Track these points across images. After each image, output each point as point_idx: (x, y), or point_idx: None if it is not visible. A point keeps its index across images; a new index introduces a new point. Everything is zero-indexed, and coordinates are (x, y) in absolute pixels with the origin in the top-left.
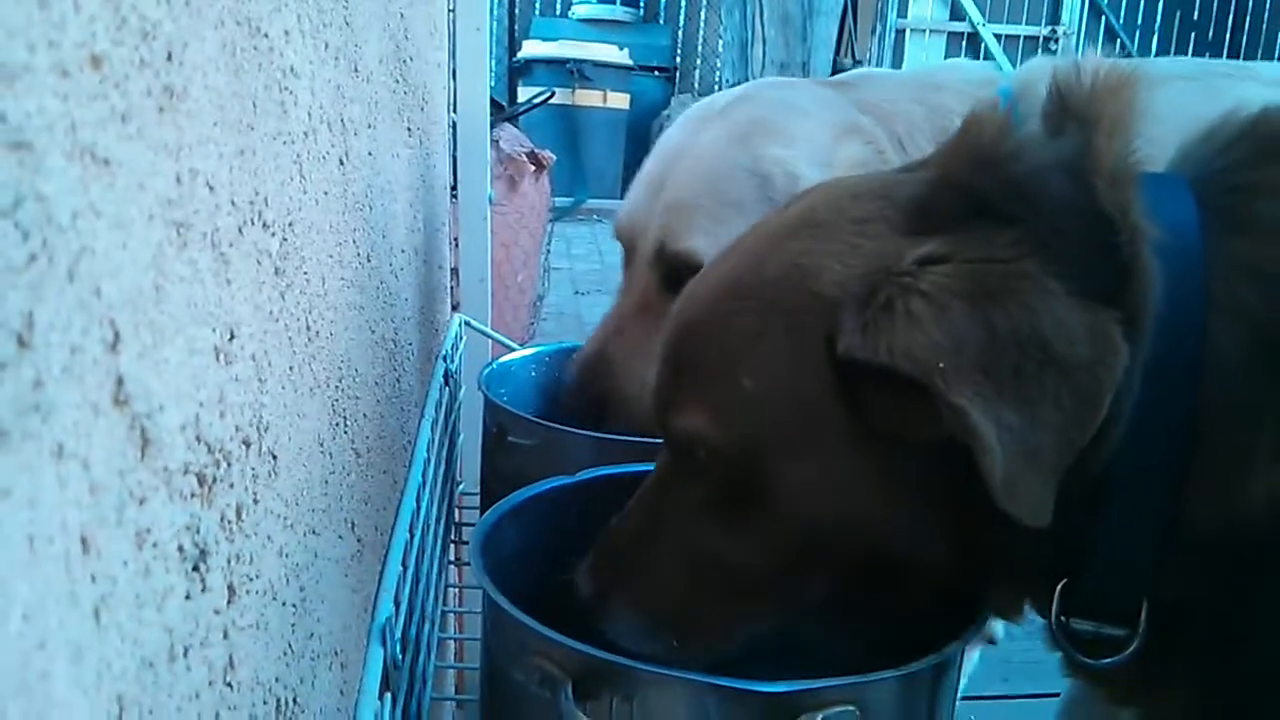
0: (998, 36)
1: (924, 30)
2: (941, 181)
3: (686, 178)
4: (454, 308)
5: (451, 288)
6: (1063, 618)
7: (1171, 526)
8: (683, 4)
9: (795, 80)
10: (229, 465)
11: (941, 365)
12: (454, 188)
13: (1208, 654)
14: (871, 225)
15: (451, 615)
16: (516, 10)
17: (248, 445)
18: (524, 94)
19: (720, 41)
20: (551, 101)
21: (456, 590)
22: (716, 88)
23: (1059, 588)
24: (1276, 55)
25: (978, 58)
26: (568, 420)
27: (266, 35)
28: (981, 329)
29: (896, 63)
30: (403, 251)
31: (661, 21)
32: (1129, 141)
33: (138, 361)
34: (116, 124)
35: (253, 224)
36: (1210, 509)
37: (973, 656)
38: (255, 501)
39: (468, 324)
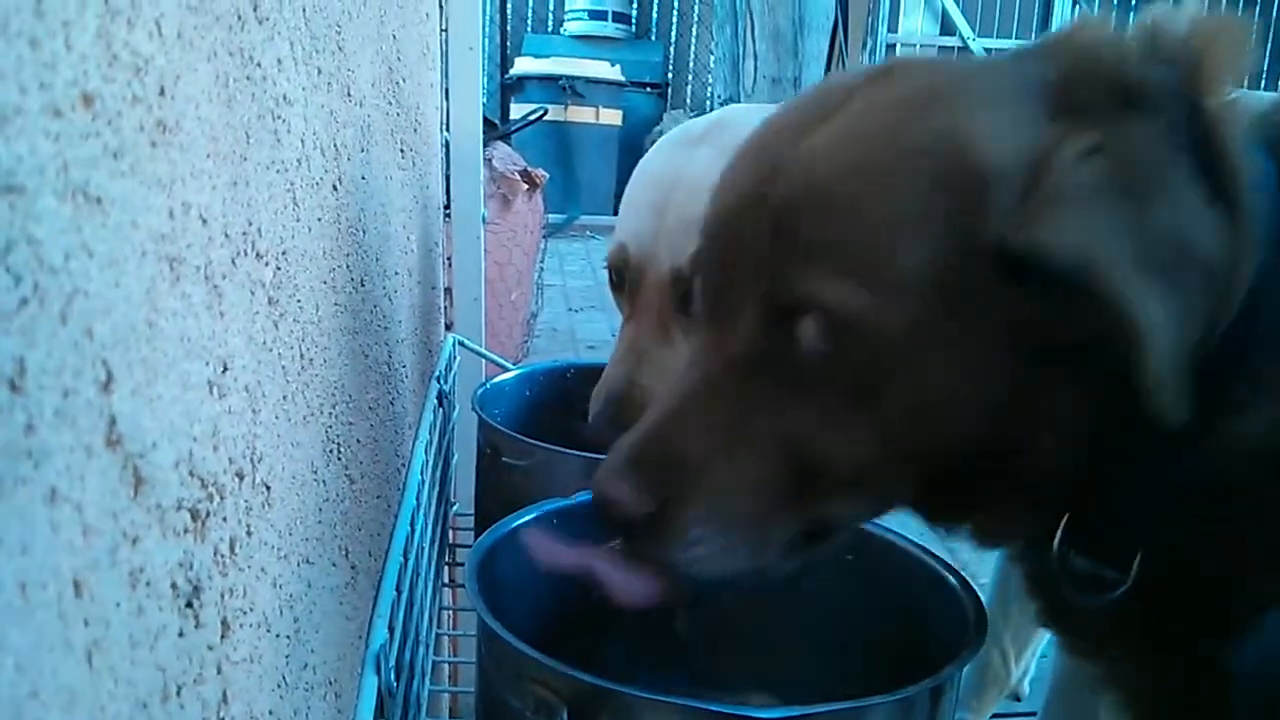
0: (988, 51)
1: (914, 45)
2: (1075, 71)
3: (691, 197)
4: (448, 327)
5: (445, 307)
6: (1065, 549)
7: (1193, 463)
8: (674, 20)
9: (763, 105)
10: (222, 499)
11: (1107, 258)
12: (447, 207)
13: (1192, 608)
14: (1010, 107)
15: (446, 638)
16: (509, 27)
17: (241, 478)
18: (516, 111)
19: (712, 57)
20: (544, 118)
21: (451, 613)
22: (708, 103)
23: (1065, 519)
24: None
25: None
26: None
27: (259, 64)
28: (1139, 225)
29: None
30: (396, 274)
31: (653, 38)
32: (1228, 83)
33: (130, 400)
34: (109, 161)
35: (246, 254)
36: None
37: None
38: (249, 534)
39: (461, 344)
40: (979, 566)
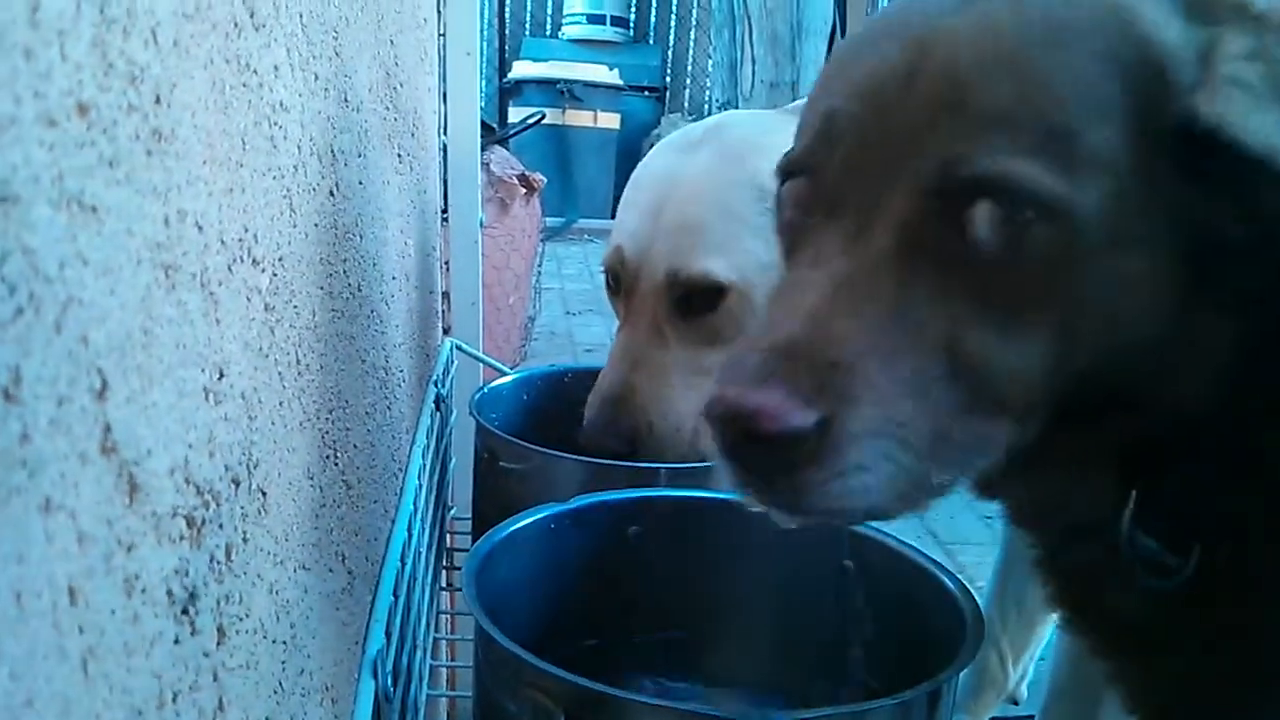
0: None
1: None
2: None
3: (689, 200)
4: (445, 331)
5: (443, 311)
6: (1134, 527)
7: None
8: (672, 24)
9: (757, 110)
10: (218, 505)
11: None
12: (445, 211)
13: (1258, 607)
14: (1156, 4)
15: (444, 642)
16: (507, 31)
17: (237, 484)
18: (515, 115)
19: (710, 61)
20: (542, 122)
21: (449, 616)
22: (706, 107)
23: (1137, 494)
24: None
25: None
26: (594, 456)
27: (256, 71)
28: None
29: None
30: (394, 278)
31: (651, 42)
32: None
33: (126, 407)
34: (104, 170)
35: (242, 261)
36: None
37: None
38: (245, 540)
39: (459, 348)
40: (977, 570)
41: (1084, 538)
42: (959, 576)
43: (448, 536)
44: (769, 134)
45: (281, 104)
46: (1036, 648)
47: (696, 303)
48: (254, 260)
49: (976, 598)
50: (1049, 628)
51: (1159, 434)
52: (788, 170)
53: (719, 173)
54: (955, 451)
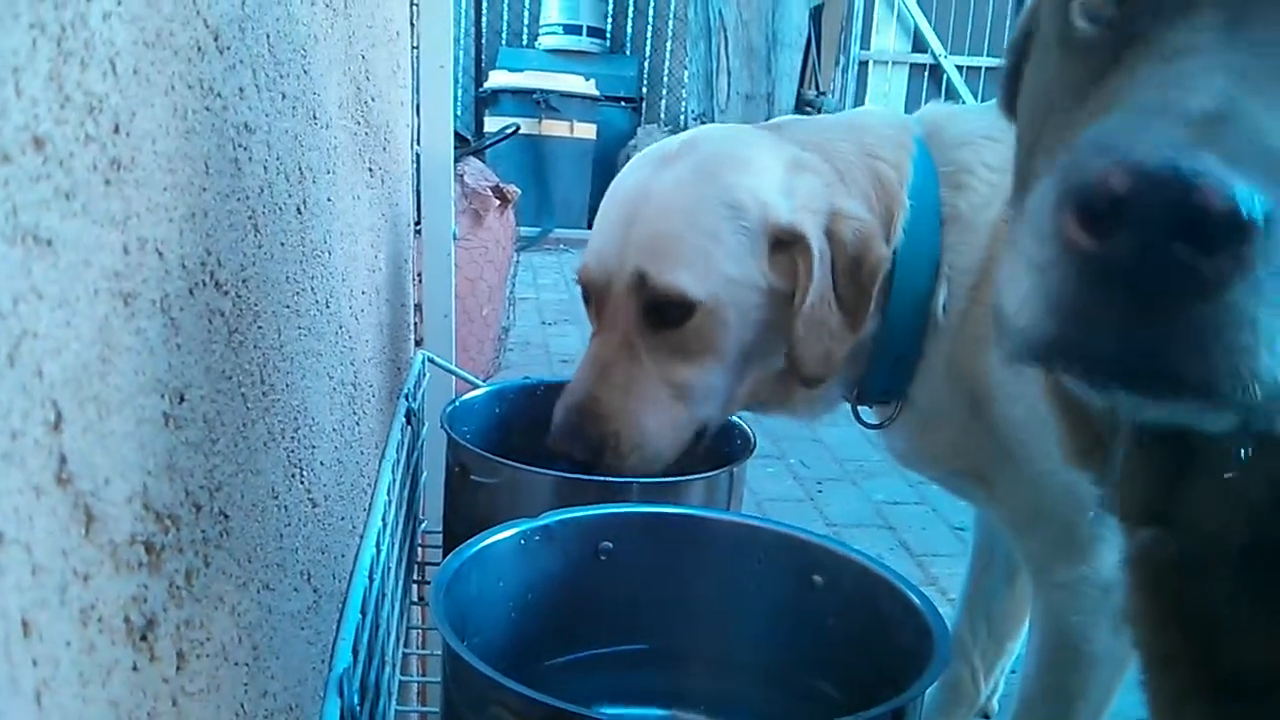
0: (959, 68)
1: (886, 62)
2: None
3: (659, 214)
4: (417, 344)
5: (415, 324)
6: None
7: None
8: (649, 35)
9: (733, 125)
10: (178, 531)
11: None
12: (418, 223)
13: None
14: None
15: (415, 657)
16: (483, 41)
17: (198, 508)
18: (491, 124)
19: (686, 73)
20: (518, 133)
21: (420, 632)
22: (682, 118)
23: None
24: None
25: (939, 89)
26: (558, 465)
27: (220, 95)
28: None
29: (860, 94)
30: (363, 293)
31: (628, 52)
32: None
33: (81, 438)
34: (60, 202)
35: (204, 285)
36: None
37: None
38: (206, 564)
39: (430, 360)
40: (949, 582)
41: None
42: (929, 590)
43: (419, 550)
44: (744, 149)
45: (246, 125)
46: (1008, 661)
47: (666, 316)
48: (217, 283)
49: (947, 612)
50: (1020, 641)
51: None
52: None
53: (691, 188)
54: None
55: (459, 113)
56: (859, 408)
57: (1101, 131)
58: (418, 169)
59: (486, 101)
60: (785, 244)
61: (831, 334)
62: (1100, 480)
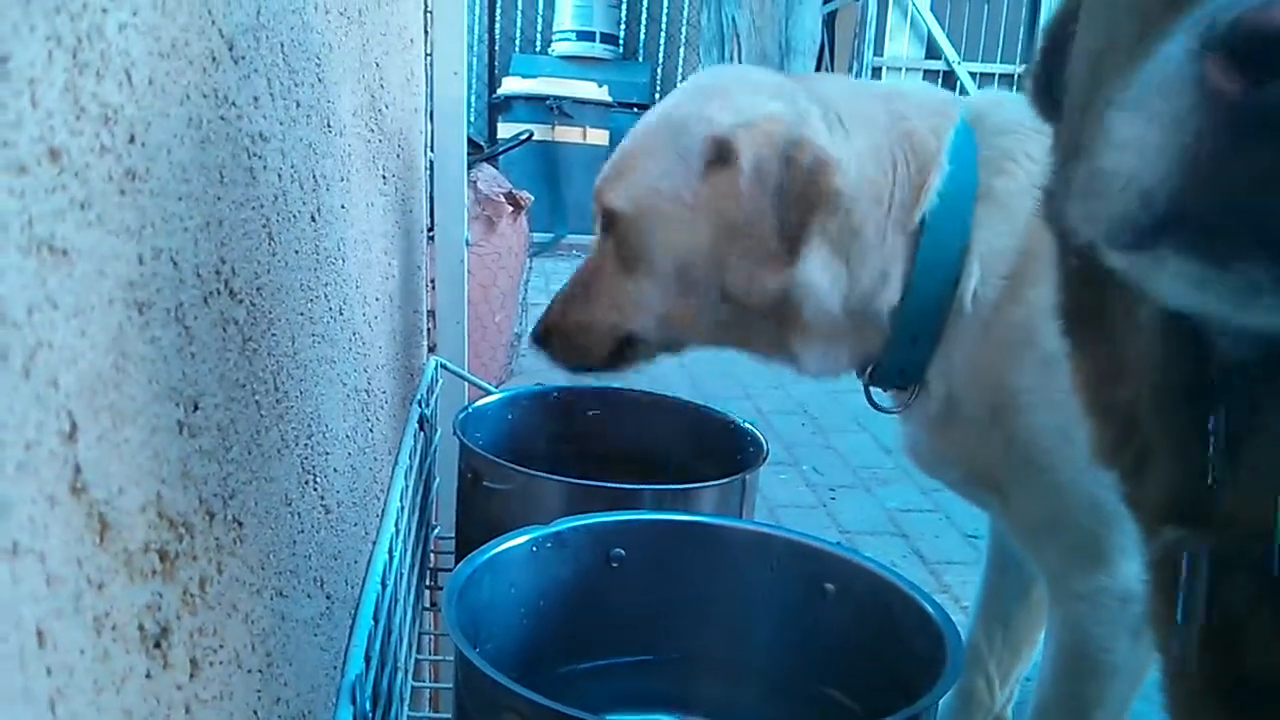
0: (973, 75)
1: (900, 69)
2: None
3: (628, 138)
4: (430, 350)
5: (429, 330)
6: None
7: None
8: (662, 42)
9: (752, 67)
10: (192, 538)
11: None
12: (431, 230)
13: None
14: None
15: (427, 664)
16: (496, 47)
17: (212, 516)
18: (504, 130)
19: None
20: (531, 139)
21: (432, 638)
22: None
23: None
24: None
25: None
26: (570, 473)
27: (234, 104)
28: None
29: None
30: (377, 300)
31: (640, 59)
32: None
33: (96, 447)
34: (75, 213)
35: (219, 294)
36: None
37: None
38: (220, 571)
39: (443, 366)
40: (963, 590)
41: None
42: (942, 598)
43: (431, 556)
44: (734, 84)
45: (261, 134)
46: (1023, 668)
47: (607, 229)
48: (231, 292)
49: (961, 620)
50: (1036, 648)
51: None
52: None
53: (658, 113)
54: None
55: (472, 119)
56: (874, 389)
57: None
58: (431, 176)
59: (500, 108)
60: (725, 162)
61: (757, 260)
62: (1127, 477)
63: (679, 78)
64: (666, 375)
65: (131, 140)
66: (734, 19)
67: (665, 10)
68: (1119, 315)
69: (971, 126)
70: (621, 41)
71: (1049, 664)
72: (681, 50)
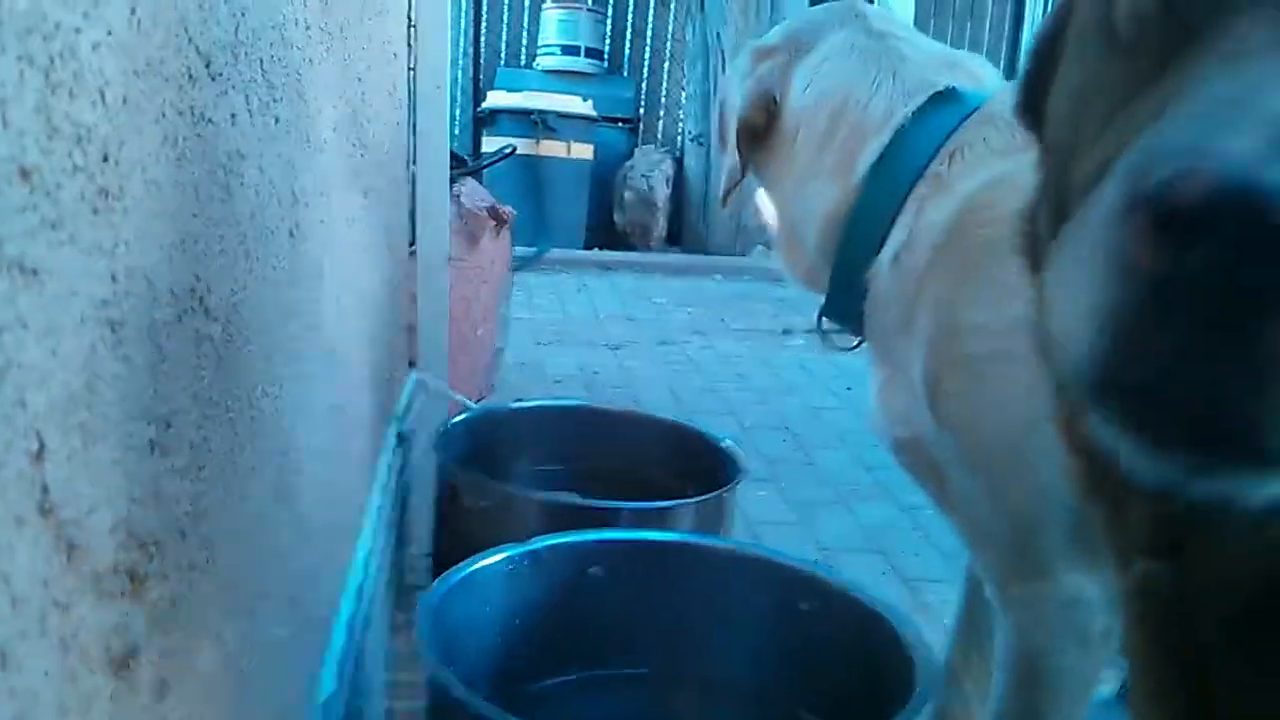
0: None
1: None
2: None
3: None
4: (411, 365)
5: (409, 345)
6: None
7: None
8: (646, 56)
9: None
10: (162, 558)
11: None
12: (413, 244)
13: None
14: None
15: (400, 682)
16: (481, 61)
17: (184, 535)
18: (488, 144)
19: (683, 93)
20: (516, 153)
21: (406, 656)
22: (679, 139)
23: None
24: None
25: None
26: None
27: (211, 121)
28: None
29: None
30: (356, 315)
31: (625, 73)
32: None
33: (65, 466)
34: (46, 232)
35: (193, 311)
36: None
37: None
38: (190, 590)
39: (423, 382)
40: (943, 608)
41: None
42: (921, 616)
43: (409, 574)
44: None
45: (238, 151)
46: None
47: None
48: (206, 310)
49: (940, 638)
50: None
51: None
52: None
53: None
54: None
55: (456, 133)
56: (824, 321)
57: (1169, 135)
58: (413, 190)
59: (484, 122)
60: None
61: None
62: (1105, 509)
63: (664, 92)
64: (650, 390)
65: (105, 159)
66: (718, 34)
67: (650, 25)
68: None
69: (965, 112)
70: (606, 56)
71: (1000, 673)
72: (666, 65)
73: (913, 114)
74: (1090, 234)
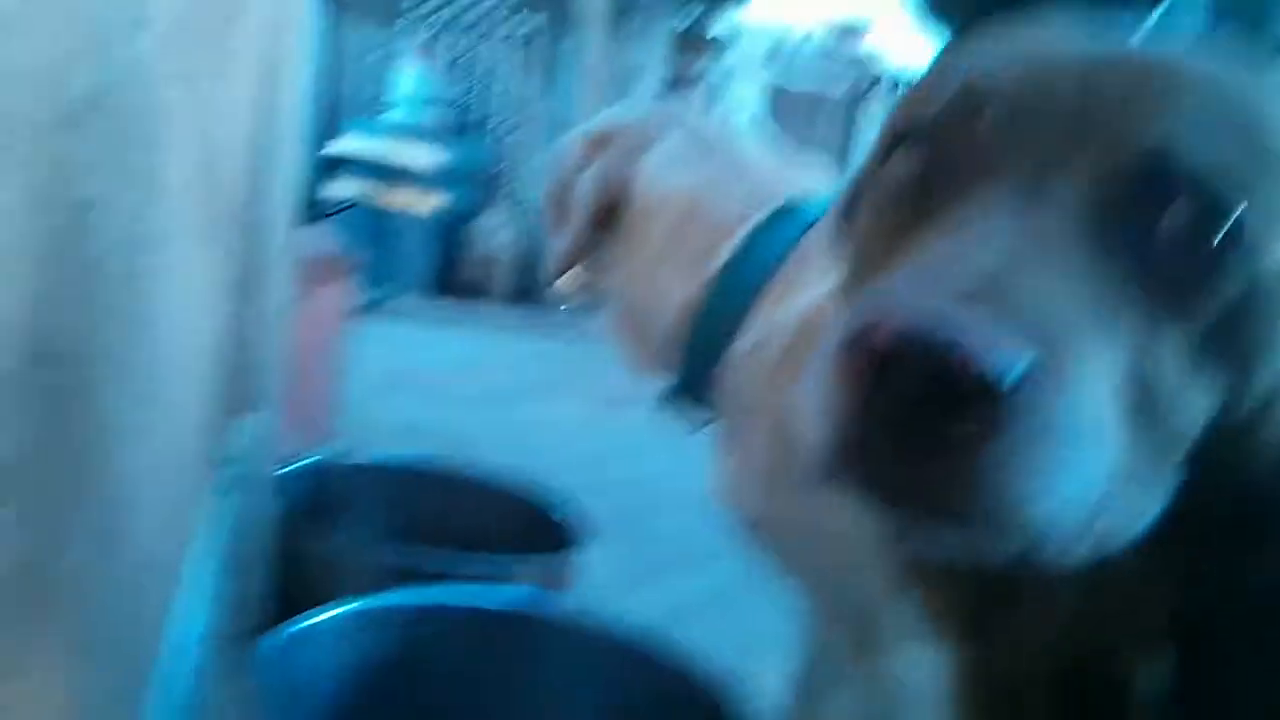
0: None
1: None
2: None
3: None
4: (247, 412)
5: (246, 392)
6: None
7: None
8: (503, 117)
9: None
10: None
11: None
12: (254, 291)
13: None
14: None
15: None
16: (333, 111)
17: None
18: (334, 193)
19: (536, 154)
20: (363, 201)
21: (241, 708)
22: (530, 198)
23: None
24: None
25: None
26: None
27: (67, 169)
28: None
29: None
30: (195, 362)
31: (478, 129)
32: None
33: None
34: None
35: (35, 360)
36: None
37: None
38: (14, 646)
39: (258, 430)
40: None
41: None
42: (773, 676)
43: (243, 627)
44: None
45: (90, 200)
46: None
47: None
48: (48, 357)
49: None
50: None
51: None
52: (897, 136)
53: None
54: (1132, 492)
55: (304, 180)
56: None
57: (885, 287)
58: (258, 238)
59: (331, 169)
60: None
61: None
62: (929, 592)
63: (518, 153)
64: (492, 446)
65: None
66: (571, 105)
67: (506, 83)
68: None
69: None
70: (460, 110)
71: None
72: (522, 128)
73: (763, 222)
74: (823, 359)
